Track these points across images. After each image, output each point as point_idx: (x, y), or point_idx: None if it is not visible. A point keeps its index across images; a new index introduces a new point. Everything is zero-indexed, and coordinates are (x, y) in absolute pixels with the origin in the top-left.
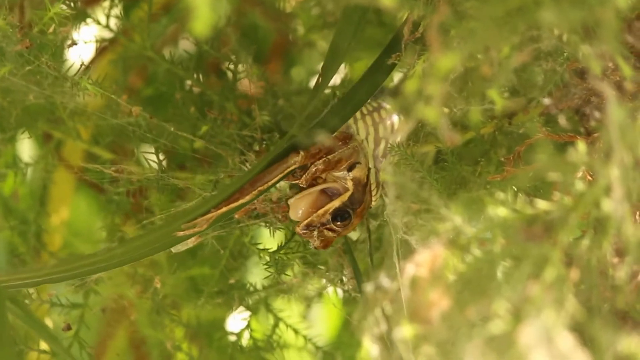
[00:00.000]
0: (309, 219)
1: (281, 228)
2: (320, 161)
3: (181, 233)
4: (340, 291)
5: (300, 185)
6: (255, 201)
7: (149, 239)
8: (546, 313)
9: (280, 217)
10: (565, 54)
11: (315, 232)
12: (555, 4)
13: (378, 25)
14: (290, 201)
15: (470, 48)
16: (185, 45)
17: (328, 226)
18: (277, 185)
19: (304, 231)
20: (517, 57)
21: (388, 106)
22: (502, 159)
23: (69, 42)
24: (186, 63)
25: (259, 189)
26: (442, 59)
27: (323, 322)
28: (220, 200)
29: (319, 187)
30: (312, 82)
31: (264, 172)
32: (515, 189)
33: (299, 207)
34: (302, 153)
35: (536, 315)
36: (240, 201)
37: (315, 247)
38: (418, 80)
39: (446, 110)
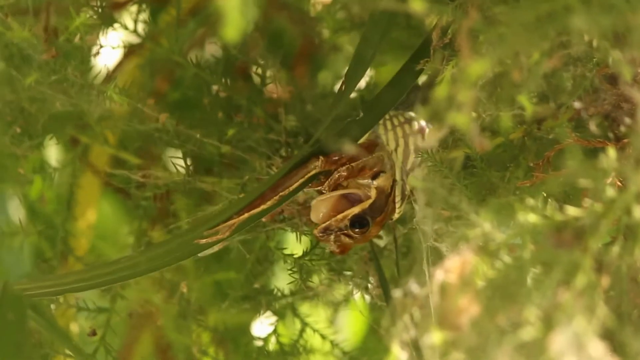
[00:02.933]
0: (327, 223)
1: (307, 233)
2: (344, 168)
3: (204, 241)
4: (367, 297)
5: (323, 191)
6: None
7: (172, 246)
8: (577, 320)
9: (305, 220)
10: (595, 60)
11: (332, 237)
12: (586, 9)
13: (405, 28)
14: (313, 202)
15: (500, 53)
16: (212, 49)
17: (345, 232)
18: (305, 191)
19: (321, 234)
20: (547, 63)
21: (422, 121)
22: (532, 165)
23: (96, 50)
24: (213, 68)
25: (280, 194)
26: (472, 64)
27: (349, 327)
28: (243, 206)
29: (341, 192)
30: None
31: (284, 177)
32: (545, 195)
33: (320, 210)
34: (321, 158)
35: (567, 322)
36: (262, 207)
37: (331, 252)
38: (448, 86)
39: (475, 115)
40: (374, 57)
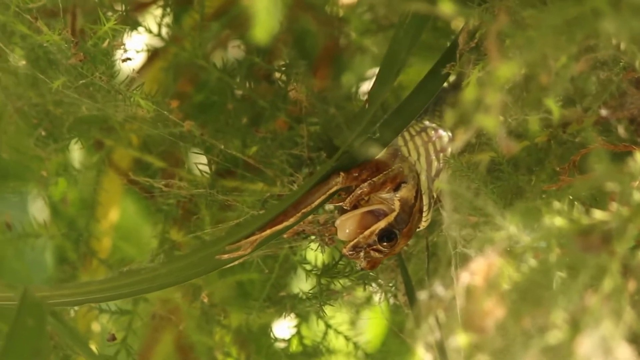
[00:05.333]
0: (355, 240)
1: (331, 246)
2: (366, 184)
3: (225, 256)
4: (390, 301)
5: (344, 207)
6: (303, 223)
7: (193, 260)
8: (604, 324)
9: (327, 239)
10: (621, 64)
11: (362, 253)
12: (615, 13)
13: (431, 30)
14: (337, 222)
15: (528, 57)
16: (235, 52)
17: (374, 247)
18: (326, 207)
19: (351, 252)
20: (574, 66)
21: (434, 124)
22: (557, 169)
23: (123, 56)
24: (237, 71)
25: (303, 211)
26: (500, 67)
27: (369, 329)
28: (265, 222)
29: (365, 209)
30: (363, 88)
31: (306, 194)
32: (572, 199)
33: (345, 228)
34: (342, 174)
35: (594, 325)
36: (284, 224)
37: (362, 268)
38: (475, 89)
39: (502, 119)
40: (403, 66)
